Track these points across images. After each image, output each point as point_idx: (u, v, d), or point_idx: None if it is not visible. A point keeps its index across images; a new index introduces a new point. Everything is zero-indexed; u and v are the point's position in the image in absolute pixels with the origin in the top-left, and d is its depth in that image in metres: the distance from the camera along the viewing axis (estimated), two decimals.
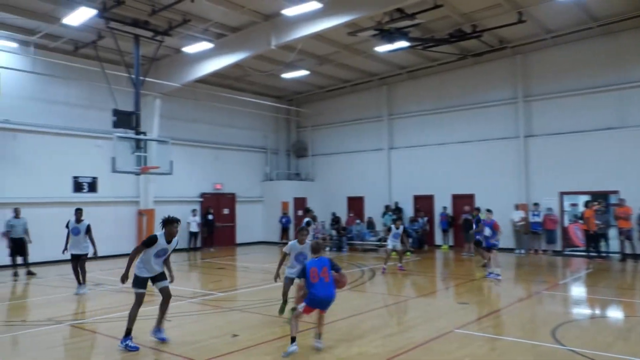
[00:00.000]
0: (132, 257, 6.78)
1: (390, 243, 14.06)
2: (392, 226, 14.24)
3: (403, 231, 14.25)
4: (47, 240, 15.68)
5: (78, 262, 11.05)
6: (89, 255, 11.13)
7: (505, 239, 18.37)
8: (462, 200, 19.64)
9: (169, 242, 6.85)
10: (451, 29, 16.02)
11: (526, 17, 15.18)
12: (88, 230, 11.01)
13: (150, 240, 6.77)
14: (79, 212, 11.22)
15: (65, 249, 11.24)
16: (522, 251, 17.86)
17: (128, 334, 6.68)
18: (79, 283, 11.06)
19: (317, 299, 6.31)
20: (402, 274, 13.61)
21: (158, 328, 7.07)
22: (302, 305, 6.42)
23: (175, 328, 7.85)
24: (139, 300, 6.82)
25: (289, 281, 8.19)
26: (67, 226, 11.16)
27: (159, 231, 6.91)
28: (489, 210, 13.60)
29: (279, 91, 24.63)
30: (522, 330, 7.67)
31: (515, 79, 18.86)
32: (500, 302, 9.53)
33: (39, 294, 11.67)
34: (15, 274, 13.51)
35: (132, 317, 6.74)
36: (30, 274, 13.82)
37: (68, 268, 15.09)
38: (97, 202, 17.99)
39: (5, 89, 15.61)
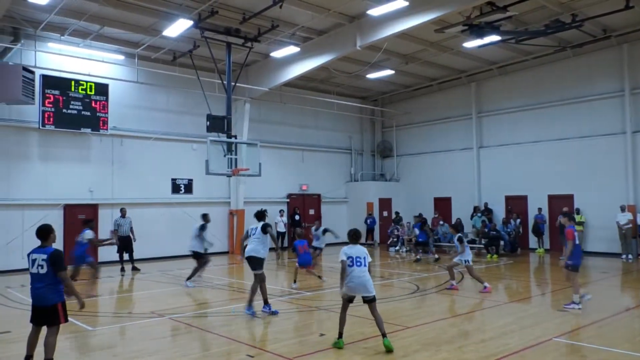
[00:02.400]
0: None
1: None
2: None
3: (460, 241, 11.60)
4: (150, 238, 16.97)
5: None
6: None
7: (611, 243, 17.06)
8: (560, 201, 18.43)
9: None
10: (547, 19, 15.09)
11: (634, 3, 13.92)
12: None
13: None
14: (205, 216, 12.80)
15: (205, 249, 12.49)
16: (630, 256, 16.36)
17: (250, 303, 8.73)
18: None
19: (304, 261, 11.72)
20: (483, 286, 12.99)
21: (267, 305, 8.86)
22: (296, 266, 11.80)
23: (265, 326, 8.14)
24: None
25: None
26: (203, 228, 12.35)
27: None
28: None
29: (364, 92, 24.64)
30: (631, 342, 7.03)
31: (622, 70, 17.41)
32: (605, 311, 8.79)
33: (142, 288, 12.59)
34: (122, 269, 14.63)
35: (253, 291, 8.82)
36: (135, 269, 14.91)
37: (168, 265, 16.30)
38: (192, 202, 19.08)
39: (113, 98, 17.03)
